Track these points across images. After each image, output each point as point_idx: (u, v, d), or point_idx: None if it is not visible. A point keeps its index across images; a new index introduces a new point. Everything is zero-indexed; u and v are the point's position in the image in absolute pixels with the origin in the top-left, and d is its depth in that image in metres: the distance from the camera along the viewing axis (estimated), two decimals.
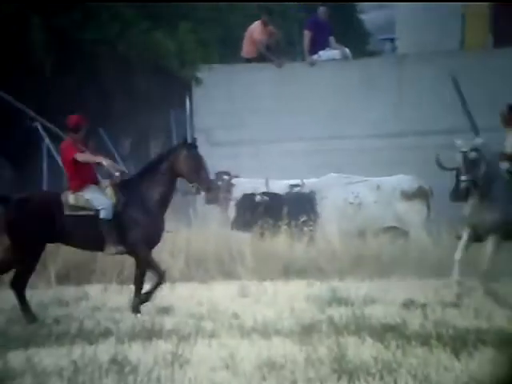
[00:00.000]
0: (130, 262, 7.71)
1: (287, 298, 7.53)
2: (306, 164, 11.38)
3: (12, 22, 11.20)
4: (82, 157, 7.35)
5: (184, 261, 8.70)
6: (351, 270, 8.46)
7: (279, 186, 10.60)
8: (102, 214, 7.08)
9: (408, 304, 7.12)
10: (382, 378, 4.98)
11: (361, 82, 11.87)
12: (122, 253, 7.25)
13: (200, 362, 5.48)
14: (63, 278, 8.28)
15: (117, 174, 7.30)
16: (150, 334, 6.25)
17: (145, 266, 7.16)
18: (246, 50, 12.52)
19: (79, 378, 5.10)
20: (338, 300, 7.38)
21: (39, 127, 10.85)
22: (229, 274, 8.71)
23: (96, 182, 7.35)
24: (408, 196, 9.81)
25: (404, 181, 10.14)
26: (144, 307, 7.16)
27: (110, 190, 7.24)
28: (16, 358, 5.55)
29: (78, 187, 7.23)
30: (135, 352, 5.66)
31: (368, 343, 5.69)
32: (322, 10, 12.27)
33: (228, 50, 13.38)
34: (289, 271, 8.17)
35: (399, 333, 5.94)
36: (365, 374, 5.03)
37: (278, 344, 5.86)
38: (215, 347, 5.87)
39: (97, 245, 7.14)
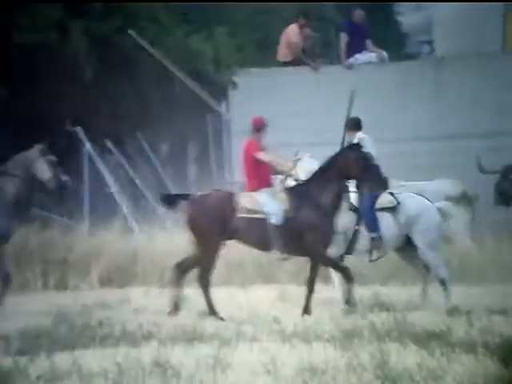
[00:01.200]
0: (170, 265, 7.74)
1: (327, 303, 7.50)
2: None
3: (54, 28, 11.33)
4: (262, 156, 7.44)
5: (223, 265, 8.72)
6: (393, 275, 8.41)
7: None
8: (272, 219, 7.19)
9: (452, 310, 7.05)
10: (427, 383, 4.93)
11: (398, 85, 11.79)
12: (285, 259, 7.38)
13: (241, 366, 5.49)
14: (105, 281, 8.34)
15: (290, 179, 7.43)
16: (192, 337, 6.27)
17: (327, 266, 7.39)
18: (282, 53, 12.52)
19: (123, 379, 5.14)
20: (380, 305, 7.33)
21: (80, 132, 10.96)
22: (268, 279, 8.70)
23: (270, 186, 7.42)
24: (452, 200, 9.70)
25: (447, 185, 10.02)
26: (185, 310, 7.20)
27: (282, 195, 7.33)
28: (62, 360, 5.62)
29: (255, 188, 7.38)
30: (177, 355, 5.69)
31: (411, 350, 5.65)
32: (358, 13, 12.22)
33: (264, 54, 13.40)
34: (328, 276, 8.13)
35: (444, 340, 5.88)
36: (409, 381, 4.99)
37: (318, 349, 5.84)
38: (256, 351, 5.87)
39: (264, 247, 7.34)
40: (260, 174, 7.43)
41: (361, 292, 7.66)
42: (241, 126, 12.65)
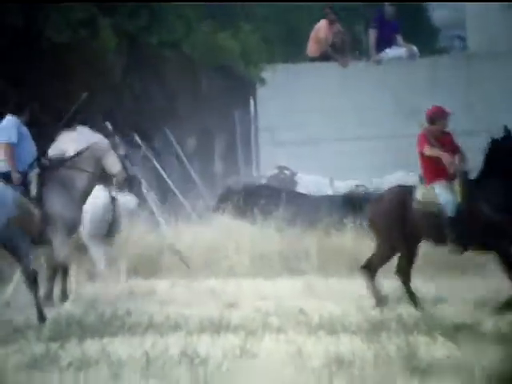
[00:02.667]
0: (195, 257, 7.77)
1: (354, 296, 7.48)
2: (371, 163, 11.28)
3: (84, 27, 11.43)
4: (429, 151, 7.43)
5: (249, 257, 8.72)
6: (420, 268, 8.35)
7: (344, 185, 10.52)
8: (446, 210, 7.19)
9: (480, 303, 7.00)
10: (456, 376, 4.89)
11: (428, 81, 11.73)
12: (461, 252, 7.29)
13: (268, 356, 5.48)
14: (132, 273, 8.39)
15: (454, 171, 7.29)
16: (218, 328, 6.27)
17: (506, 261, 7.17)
18: (311, 48, 12.51)
19: (151, 368, 5.15)
20: (407, 298, 7.28)
21: (108, 126, 11.03)
22: (294, 271, 8.69)
23: (450, 178, 7.37)
24: None
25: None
26: (212, 302, 7.23)
27: (457, 187, 7.32)
28: (92, 347, 5.65)
29: (431, 180, 7.36)
30: (204, 345, 5.69)
31: (440, 342, 5.60)
32: (388, 8, 12.17)
33: (292, 49, 13.39)
34: (355, 268, 8.10)
35: (473, 332, 5.83)
36: (437, 374, 4.94)
37: (345, 341, 5.81)
38: (282, 343, 5.85)
39: (439, 240, 7.31)
40: (433, 167, 7.38)
41: (388, 284, 7.63)
42: (268, 121, 12.70)
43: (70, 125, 8.12)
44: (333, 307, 7.09)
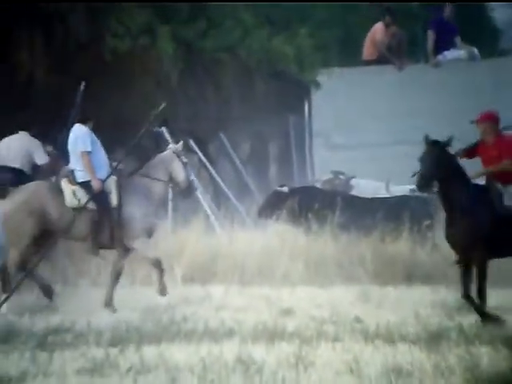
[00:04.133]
0: (250, 264, 7.74)
1: (411, 304, 7.34)
2: None
3: (143, 33, 11.55)
4: None
5: (303, 264, 8.64)
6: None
7: (399, 190, 10.37)
8: None
9: None
10: None
11: (490, 84, 11.46)
12: None
13: (324, 365, 5.40)
14: (188, 279, 8.40)
15: None
16: (273, 335, 6.22)
17: None
18: (367, 51, 12.37)
19: (208, 375, 5.13)
20: (467, 307, 7.11)
21: (165, 132, 11.12)
22: (349, 278, 8.59)
23: None
24: None
25: None
26: (266, 309, 7.16)
27: None
28: (150, 353, 5.68)
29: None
30: (259, 352, 5.65)
31: (503, 354, 5.44)
32: (447, 9, 11.95)
33: (348, 53, 13.28)
34: (412, 276, 7.97)
35: None
36: None
37: (403, 350, 5.69)
38: (339, 351, 5.77)
39: None
40: None
41: (446, 293, 7.47)
42: (322, 125, 12.61)
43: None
44: (389, 315, 6.98)
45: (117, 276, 7.66)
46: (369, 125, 12.11)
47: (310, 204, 9.69)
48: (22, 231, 7.44)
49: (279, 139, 13.35)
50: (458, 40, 11.95)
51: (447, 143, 7.34)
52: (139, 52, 11.50)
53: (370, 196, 10.35)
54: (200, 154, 11.91)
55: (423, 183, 7.10)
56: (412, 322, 6.63)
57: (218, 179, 11.78)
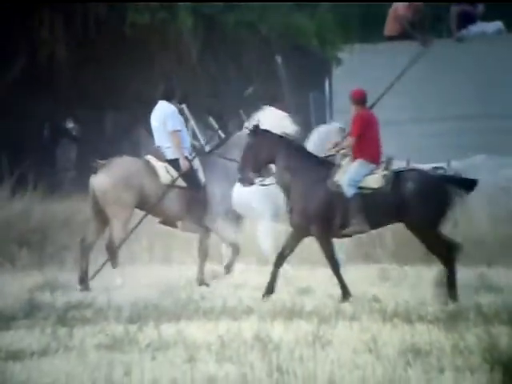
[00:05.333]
0: (268, 243, 7.73)
1: (430, 284, 7.32)
2: (451, 145, 10.99)
3: (163, 8, 11.51)
4: None
5: None
6: (501, 257, 8.12)
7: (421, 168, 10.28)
8: None
9: None
10: None
11: None
12: None
13: (342, 343, 5.41)
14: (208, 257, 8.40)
15: None
16: (291, 313, 6.25)
17: None
18: (390, 27, 12.25)
19: (226, 352, 5.17)
20: (487, 287, 7.09)
21: (185, 109, 11.11)
22: (368, 257, 8.57)
23: None
24: None
25: None
26: (284, 288, 7.20)
27: None
28: (168, 330, 5.72)
29: None
30: (277, 330, 5.67)
31: None
32: None
33: (369, 29, 13.16)
34: (431, 256, 7.93)
35: None
36: None
37: (422, 330, 5.69)
38: (356, 330, 5.77)
39: None
40: None
41: (466, 273, 7.44)
42: (344, 102, 12.49)
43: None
44: (408, 295, 6.97)
45: (205, 255, 7.70)
46: (391, 101, 11.96)
47: None
48: (123, 204, 7.45)
49: (300, 116, 13.28)
50: (482, 14, 11.77)
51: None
52: (159, 27, 11.48)
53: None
54: (220, 132, 11.90)
55: (248, 173, 7.04)
56: (431, 302, 6.62)
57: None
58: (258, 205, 7.98)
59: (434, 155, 10.48)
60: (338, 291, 7.14)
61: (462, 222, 9.03)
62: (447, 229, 8.65)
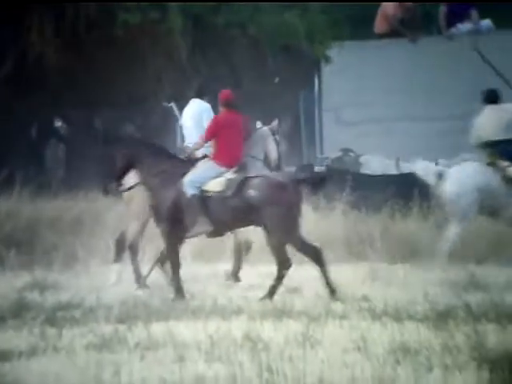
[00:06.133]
0: (258, 241, 7.74)
1: (420, 282, 7.34)
2: (440, 144, 11.02)
3: (153, 7, 11.49)
4: None
5: (312, 242, 8.61)
6: (490, 255, 8.14)
7: (410, 167, 10.32)
8: None
9: None
10: None
11: (504, 56, 11.29)
12: None
13: (331, 343, 5.41)
14: (197, 256, 8.42)
15: None
16: (281, 313, 6.24)
17: None
18: (379, 25, 12.26)
19: (216, 351, 5.16)
20: (476, 285, 7.11)
21: (174, 107, 11.11)
22: (358, 256, 8.58)
23: None
24: None
25: None
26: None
27: None
28: (158, 329, 5.72)
29: None
30: (267, 330, 5.67)
31: (510, 331, 5.43)
32: None
33: (359, 27, 13.16)
34: (421, 254, 7.95)
35: None
36: (509, 364, 4.79)
37: (411, 329, 5.70)
38: (346, 329, 5.78)
39: None
40: None
41: (454, 272, 7.45)
42: (333, 100, 12.51)
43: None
44: (398, 294, 6.98)
45: (239, 251, 7.69)
46: (379, 100, 12.02)
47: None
48: (145, 207, 7.41)
49: (290, 115, 13.28)
50: (473, 12, 11.79)
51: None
52: (149, 27, 11.45)
53: (379, 173, 10.30)
54: None
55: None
56: (420, 301, 6.63)
57: None
58: None
59: (422, 154, 10.50)
60: (327, 291, 7.14)
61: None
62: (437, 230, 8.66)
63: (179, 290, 6.98)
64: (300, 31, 12.32)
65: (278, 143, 8.07)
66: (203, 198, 6.91)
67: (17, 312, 6.33)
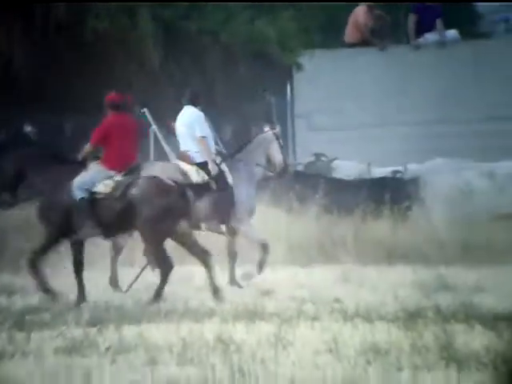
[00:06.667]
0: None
1: (391, 284, 7.40)
2: (410, 149, 11.14)
3: (123, 14, 11.47)
4: None
5: (285, 245, 8.67)
6: (459, 258, 8.23)
7: (381, 171, 10.42)
8: None
9: None
10: (495, 368, 4.78)
11: (469, 66, 11.50)
12: None
13: (303, 344, 5.44)
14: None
15: None
16: (253, 315, 6.26)
17: None
18: (350, 34, 12.37)
19: (188, 353, 5.15)
20: (445, 287, 7.18)
21: (147, 113, 11.08)
22: (330, 259, 8.64)
23: None
24: None
25: None
26: (246, 290, 7.20)
27: None
28: (129, 333, 5.70)
29: None
30: (239, 332, 5.67)
31: (478, 332, 5.50)
32: None
33: (330, 35, 13.27)
34: (392, 257, 8.02)
35: None
36: (475, 363, 4.85)
37: (381, 329, 5.74)
38: (318, 330, 5.81)
39: None
40: None
41: (425, 273, 7.53)
42: (305, 107, 12.59)
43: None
44: (369, 295, 7.03)
45: (234, 256, 7.78)
46: (351, 106, 12.13)
47: (291, 185, 9.73)
48: None
49: (261, 122, 13.32)
50: (439, 22, 11.98)
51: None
52: (120, 33, 11.44)
53: (351, 178, 10.38)
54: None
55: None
56: (391, 302, 6.68)
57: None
58: None
59: (393, 159, 10.61)
60: (300, 293, 7.18)
61: (422, 223, 9.16)
62: (407, 232, 8.76)
63: (82, 294, 6.95)
64: (271, 38, 12.39)
65: (282, 147, 8.15)
66: (92, 201, 6.91)
67: None
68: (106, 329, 5.82)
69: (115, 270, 7.68)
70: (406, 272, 7.95)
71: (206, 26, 12.01)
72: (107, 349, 5.28)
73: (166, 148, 11.08)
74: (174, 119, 11.89)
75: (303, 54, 12.29)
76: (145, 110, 11.66)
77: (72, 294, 7.07)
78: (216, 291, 7.00)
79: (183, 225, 7.00)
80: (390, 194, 9.45)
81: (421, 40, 11.98)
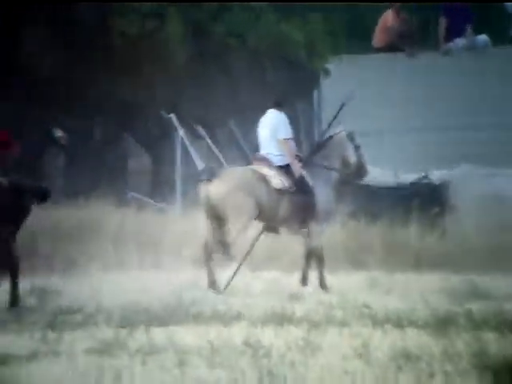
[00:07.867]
0: (259, 249, 7.75)
1: (420, 290, 7.35)
2: (438, 155, 11.08)
3: (152, 16, 11.52)
4: None
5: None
6: (490, 265, 8.16)
7: (407, 177, 10.37)
8: None
9: None
10: None
11: (499, 72, 11.41)
12: None
13: (332, 349, 5.41)
14: (197, 263, 8.42)
15: None
16: (281, 319, 6.24)
17: None
18: (378, 38, 12.32)
19: (216, 358, 5.15)
20: (476, 294, 7.12)
21: (174, 118, 11.12)
22: (358, 265, 8.60)
23: None
24: None
25: None
26: (275, 294, 7.20)
27: None
28: (158, 335, 5.72)
29: None
30: (267, 336, 5.66)
31: (510, 339, 5.44)
32: None
33: (357, 40, 13.23)
34: (420, 263, 7.96)
35: None
36: (509, 372, 4.79)
37: (412, 335, 5.70)
38: (347, 336, 5.78)
39: None
40: None
41: (456, 280, 7.47)
42: (332, 113, 12.54)
43: None
44: (398, 301, 6.99)
45: (321, 260, 7.75)
46: (378, 112, 12.07)
47: None
48: (242, 212, 7.53)
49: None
50: (469, 28, 11.88)
51: None
52: (148, 36, 11.48)
53: (379, 184, 10.34)
54: (209, 141, 11.90)
55: None
56: (421, 308, 6.64)
57: (226, 165, 11.79)
58: None
59: (421, 165, 10.56)
60: (328, 298, 7.16)
61: (452, 230, 9.09)
62: (436, 239, 8.71)
63: (15, 297, 6.87)
64: (299, 43, 12.38)
65: (357, 148, 8.15)
66: None
67: (18, 316, 6.32)
68: (135, 330, 5.84)
69: (212, 271, 7.64)
70: (436, 279, 7.90)
71: (232, 29, 12.03)
72: (137, 350, 5.31)
73: (193, 153, 11.09)
74: (199, 123, 11.96)
75: (331, 59, 12.26)
76: (172, 115, 11.69)
77: (100, 297, 7.10)
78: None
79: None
80: (419, 200, 9.39)
81: (450, 45, 11.89)
